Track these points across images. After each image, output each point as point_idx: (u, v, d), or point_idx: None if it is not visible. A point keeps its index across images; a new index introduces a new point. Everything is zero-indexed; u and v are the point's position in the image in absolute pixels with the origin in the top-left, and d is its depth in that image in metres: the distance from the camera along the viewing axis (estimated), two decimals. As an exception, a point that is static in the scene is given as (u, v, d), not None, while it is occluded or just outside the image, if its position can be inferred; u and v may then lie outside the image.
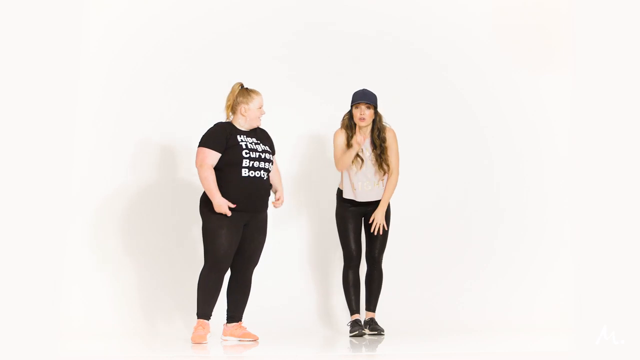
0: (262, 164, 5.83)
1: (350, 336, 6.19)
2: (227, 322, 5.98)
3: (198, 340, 5.73)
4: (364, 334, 6.21)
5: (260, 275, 6.14)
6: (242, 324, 5.97)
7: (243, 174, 5.78)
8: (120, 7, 6.95)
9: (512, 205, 7.14)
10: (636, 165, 4.70)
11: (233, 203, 5.75)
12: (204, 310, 5.80)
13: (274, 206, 6.06)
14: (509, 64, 7.23)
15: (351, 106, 6.26)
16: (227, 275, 5.94)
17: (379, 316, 6.31)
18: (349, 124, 6.27)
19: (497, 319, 6.80)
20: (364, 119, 6.21)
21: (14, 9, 4.65)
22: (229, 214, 5.73)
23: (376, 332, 6.17)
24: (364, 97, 6.21)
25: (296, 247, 7.02)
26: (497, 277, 7.02)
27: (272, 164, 5.94)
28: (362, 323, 6.27)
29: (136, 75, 6.93)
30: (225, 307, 6.00)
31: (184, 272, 6.67)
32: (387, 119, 6.32)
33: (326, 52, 7.14)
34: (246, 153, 5.79)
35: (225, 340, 5.97)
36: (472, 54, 7.23)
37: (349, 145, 6.22)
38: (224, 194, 5.76)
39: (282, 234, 6.92)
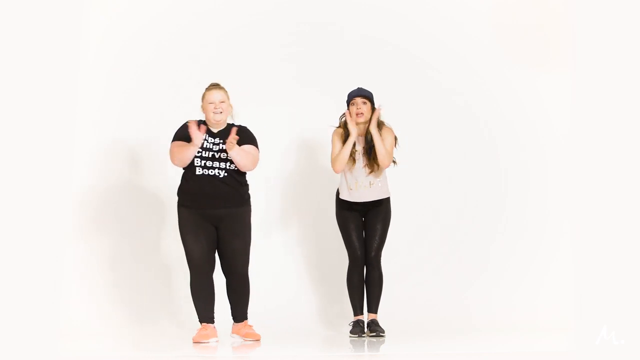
0: (216, 164, 5.81)
1: (350, 336, 6.19)
2: (233, 322, 6.00)
3: (199, 339, 5.74)
4: (364, 335, 6.21)
5: (261, 276, 6.14)
6: (249, 323, 5.97)
7: (197, 172, 5.80)
8: (120, 7, 6.96)
9: (512, 204, 7.13)
10: (636, 164, 4.69)
11: (190, 200, 5.83)
12: (203, 314, 5.82)
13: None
14: (508, 63, 7.22)
15: (347, 104, 6.22)
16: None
17: (380, 316, 6.30)
18: (346, 124, 6.20)
19: (498, 318, 6.79)
20: (361, 113, 6.15)
21: (14, 9, 4.65)
22: (200, 131, 5.71)
23: (376, 334, 6.16)
24: (360, 92, 6.17)
25: (297, 248, 7.01)
26: (498, 277, 7.01)
27: (231, 164, 5.81)
28: (364, 324, 6.27)
29: (136, 76, 6.94)
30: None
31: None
32: (387, 118, 6.29)
33: (326, 52, 7.14)
34: (198, 152, 5.79)
35: (233, 338, 5.98)
36: (472, 53, 7.22)
37: (345, 142, 6.16)
38: (183, 189, 5.85)
39: (283, 235, 6.92)
